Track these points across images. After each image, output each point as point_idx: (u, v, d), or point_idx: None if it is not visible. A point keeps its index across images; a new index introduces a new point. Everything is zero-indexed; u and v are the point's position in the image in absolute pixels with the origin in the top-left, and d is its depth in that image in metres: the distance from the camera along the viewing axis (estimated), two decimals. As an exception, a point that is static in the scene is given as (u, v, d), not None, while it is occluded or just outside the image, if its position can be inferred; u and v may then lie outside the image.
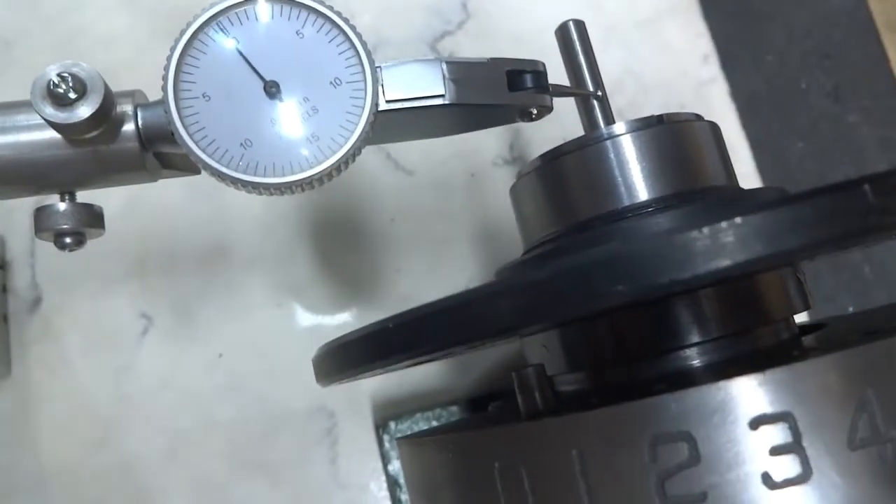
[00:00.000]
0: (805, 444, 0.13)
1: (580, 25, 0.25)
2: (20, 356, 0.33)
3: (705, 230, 0.13)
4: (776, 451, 0.13)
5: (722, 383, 0.14)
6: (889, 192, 0.13)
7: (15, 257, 0.34)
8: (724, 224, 0.13)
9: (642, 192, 0.21)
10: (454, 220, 0.37)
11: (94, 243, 0.34)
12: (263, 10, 0.20)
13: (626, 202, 0.21)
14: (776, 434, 0.13)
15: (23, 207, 0.35)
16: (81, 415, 0.33)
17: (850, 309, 0.40)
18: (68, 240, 0.21)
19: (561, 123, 0.27)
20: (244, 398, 0.34)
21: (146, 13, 0.38)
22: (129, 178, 0.22)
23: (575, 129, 0.24)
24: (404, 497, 0.32)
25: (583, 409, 0.15)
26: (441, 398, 0.34)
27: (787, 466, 0.13)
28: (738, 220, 0.13)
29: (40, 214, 0.21)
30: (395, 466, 0.32)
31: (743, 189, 0.22)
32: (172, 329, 0.34)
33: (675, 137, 0.22)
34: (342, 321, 0.36)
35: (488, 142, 0.38)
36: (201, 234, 0.35)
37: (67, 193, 0.21)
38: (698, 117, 0.23)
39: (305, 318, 0.35)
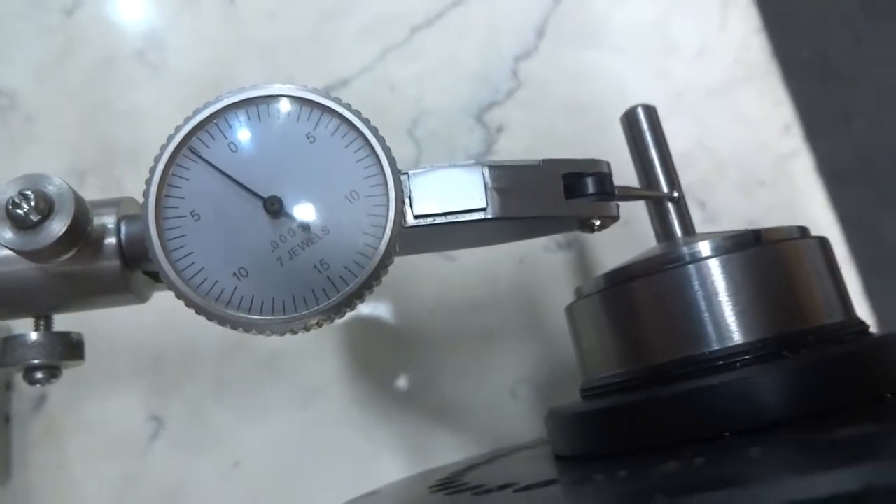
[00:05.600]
0: None
1: (651, 112, 0.21)
2: (21, 459, 0.30)
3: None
4: None
5: None
6: None
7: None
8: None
9: (735, 334, 0.16)
10: (500, 311, 0.33)
11: (105, 336, 0.31)
12: (268, 111, 0.16)
13: (715, 346, 0.16)
14: None
15: (33, 295, 0.32)
16: (81, 530, 0.30)
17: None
18: (39, 374, 0.18)
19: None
20: (259, 511, 0.30)
21: (174, 86, 0.35)
22: (112, 301, 0.18)
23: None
24: None
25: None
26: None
27: None
28: None
29: (7, 346, 0.18)
30: None
31: (864, 329, 0.18)
32: (185, 433, 0.31)
33: (777, 261, 0.17)
34: (372, 426, 0.32)
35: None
36: (220, 328, 0.32)
37: (43, 318, 0.18)
38: (804, 233, 0.18)
39: (331, 423, 0.31)
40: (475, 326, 0.33)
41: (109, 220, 0.17)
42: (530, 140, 0.36)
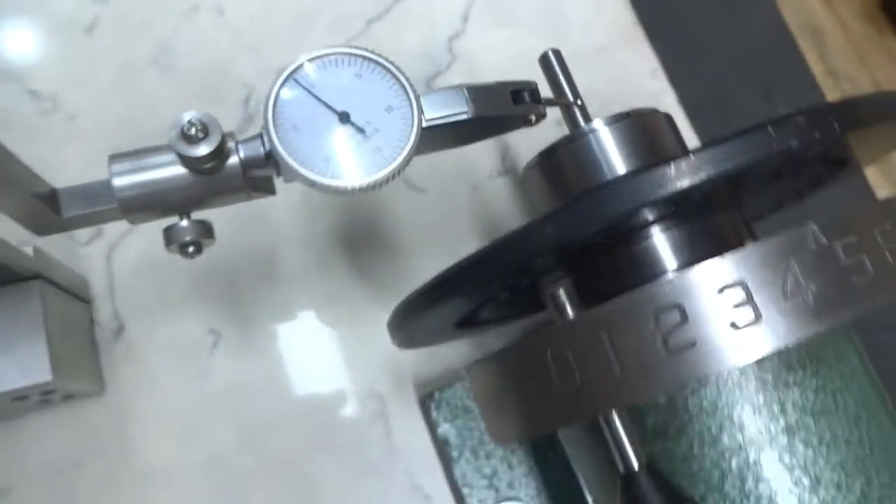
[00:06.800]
0: (755, 298, 0.20)
1: (557, 52, 0.33)
2: (110, 377, 0.39)
3: (672, 165, 0.20)
4: (737, 305, 0.20)
5: (697, 266, 0.20)
6: (786, 128, 0.20)
7: (97, 294, 0.40)
8: (681, 161, 0.20)
9: (620, 166, 0.28)
10: (463, 226, 0.44)
11: (164, 272, 0.40)
12: (331, 61, 0.27)
13: (608, 175, 0.28)
14: (735, 295, 0.20)
15: (99, 252, 0.41)
16: (167, 421, 0.39)
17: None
18: (191, 249, 0.27)
19: (535, 137, 0.35)
20: (305, 392, 0.40)
21: (183, 83, 0.44)
22: (233, 199, 0.28)
23: (548, 139, 0.32)
24: (454, 453, 0.38)
25: (604, 302, 0.21)
26: (472, 374, 0.41)
27: (745, 315, 0.20)
28: (690, 157, 0.20)
29: (169, 232, 0.27)
30: (444, 429, 0.38)
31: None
32: (238, 339, 0.40)
33: (641, 125, 0.29)
34: (380, 319, 0.42)
35: (483, 159, 0.45)
36: (254, 256, 0.41)
37: (185, 214, 0.28)
38: (656, 110, 0.30)
39: (348, 319, 0.41)
40: (446, 239, 0.44)
41: (231, 143, 0.27)
42: (468, 98, 0.47)
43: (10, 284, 0.32)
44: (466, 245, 0.43)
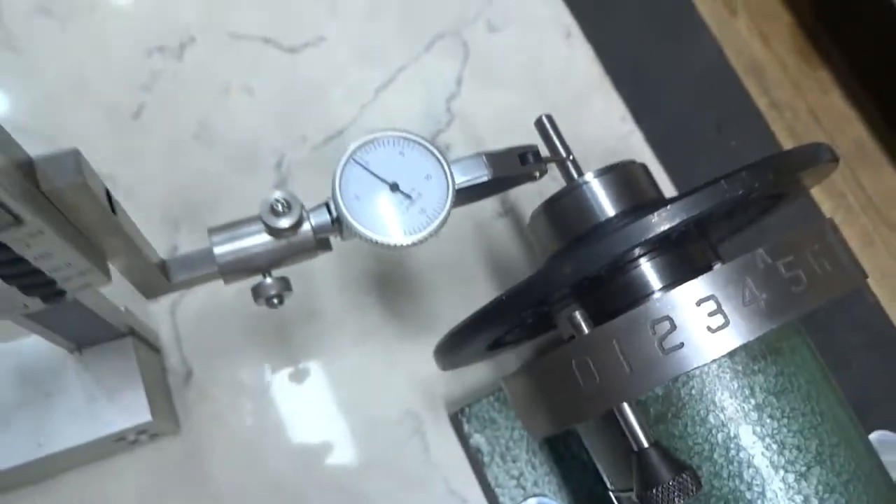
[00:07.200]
0: (723, 308, 0.27)
1: (549, 117, 0.40)
2: (184, 416, 0.45)
3: (655, 214, 0.27)
4: (710, 314, 0.27)
5: (679, 287, 0.28)
6: (737, 182, 0.27)
7: (166, 344, 0.46)
8: (660, 211, 0.27)
9: (610, 210, 0.35)
10: (472, 263, 0.51)
11: (221, 322, 0.46)
12: (379, 143, 0.34)
13: (601, 218, 0.35)
14: (709, 306, 0.27)
15: (165, 308, 0.47)
16: (234, 452, 0.45)
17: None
18: (275, 301, 0.34)
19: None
20: (350, 417, 0.46)
21: (222, 156, 0.51)
22: (304, 257, 0.35)
23: (539, 187, 0.39)
24: (486, 459, 0.44)
25: (613, 318, 0.28)
26: (492, 389, 0.47)
27: (717, 321, 0.27)
28: (666, 209, 0.27)
29: (257, 289, 0.34)
30: (475, 439, 0.44)
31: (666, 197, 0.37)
32: (290, 375, 0.46)
33: (624, 175, 0.36)
34: (409, 350, 0.48)
35: (485, 201, 0.52)
36: (298, 301, 0.48)
37: (268, 273, 0.34)
38: (633, 161, 0.38)
39: (384, 350, 0.48)
40: (458, 275, 0.51)
41: (304, 212, 0.34)
42: (467, 151, 0.54)
43: (109, 341, 0.38)
44: (477, 281, 0.50)
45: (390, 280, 0.50)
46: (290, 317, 0.48)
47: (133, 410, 0.37)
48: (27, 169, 0.22)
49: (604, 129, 0.57)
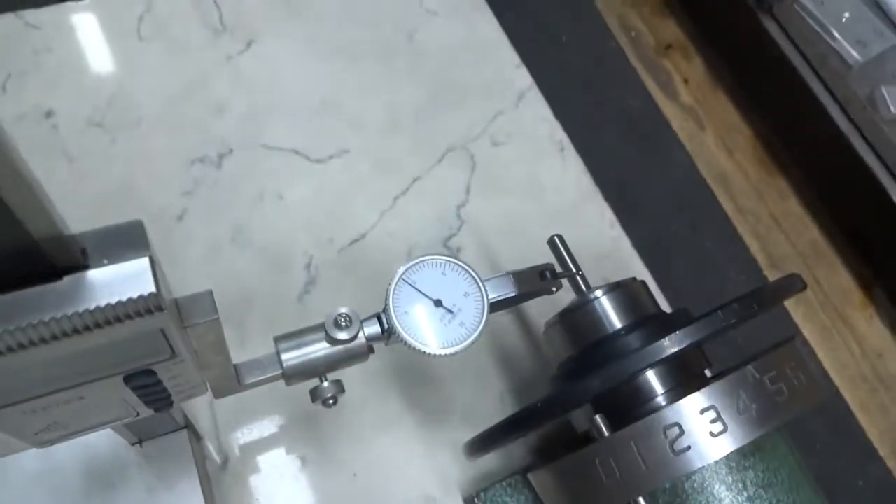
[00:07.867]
0: (722, 416, 0.33)
1: (560, 237, 0.47)
2: (222, 500, 0.48)
3: (666, 339, 0.33)
4: (712, 421, 0.33)
5: (686, 398, 0.34)
6: (728, 311, 0.34)
7: (205, 433, 0.50)
8: (667, 339, 0.33)
9: (617, 323, 0.41)
10: (482, 358, 0.57)
11: (256, 412, 0.50)
12: (425, 264, 0.40)
13: (610, 330, 0.41)
14: (710, 415, 0.33)
15: (204, 400, 0.51)
16: (268, 535, 0.48)
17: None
18: (331, 402, 0.39)
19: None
20: (374, 498, 0.50)
21: (257, 253, 0.56)
22: (356, 362, 0.40)
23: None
24: (501, 539, 0.48)
25: (634, 423, 0.34)
26: (503, 473, 0.52)
27: (717, 427, 0.33)
28: (674, 335, 0.33)
29: (315, 391, 0.39)
30: (490, 521, 0.49)
31: (665, 313, 0.44)
32: (320, 460, 0.50)
33: (627, 291, 0.43)
34: (427, 437, 0.53)
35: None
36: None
37: (324, 376, 0.39)
38: (635, 279, 0.44)
39: (403, 438, 0.52)
40: (473, 366, 0.56)
41: (359, 323, 0.39)
42: (476, 254, 0.60)
43: (166, 434, 0.42)
44: (487, 372, 0.56)
45: (410, 370, 0.54)
46: (318, 406, 0.52)
47: (189, 501, 0.41)
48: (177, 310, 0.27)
49: (595, 233, 0.64)
